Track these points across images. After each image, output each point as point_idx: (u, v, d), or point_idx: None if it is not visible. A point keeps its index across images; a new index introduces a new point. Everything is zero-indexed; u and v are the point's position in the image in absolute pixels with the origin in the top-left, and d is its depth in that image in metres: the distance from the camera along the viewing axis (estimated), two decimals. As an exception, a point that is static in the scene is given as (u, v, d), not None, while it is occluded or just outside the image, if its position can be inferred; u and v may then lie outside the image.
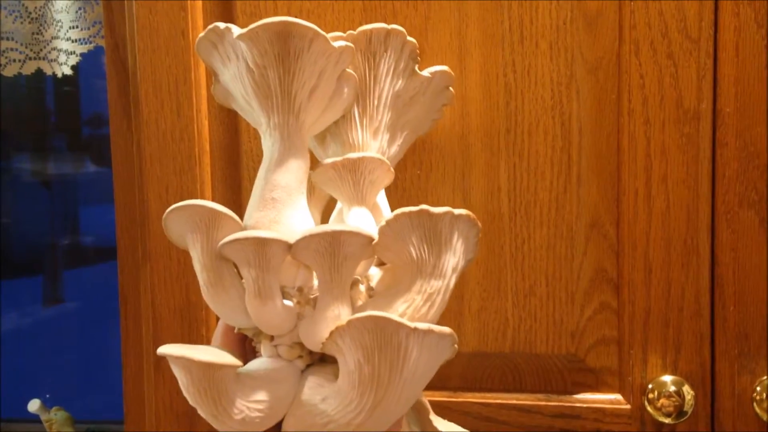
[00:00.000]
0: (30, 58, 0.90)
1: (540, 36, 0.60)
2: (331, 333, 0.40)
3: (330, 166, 0.48)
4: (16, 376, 1.52)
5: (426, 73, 0.54)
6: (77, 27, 0.89)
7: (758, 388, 0.58)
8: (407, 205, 0.62)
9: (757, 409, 0.58)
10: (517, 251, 0.61)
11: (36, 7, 0.89)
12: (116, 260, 0.75)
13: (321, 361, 0.45)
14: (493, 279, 0.62)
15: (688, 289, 0.59)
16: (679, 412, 0.59)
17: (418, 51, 0.53)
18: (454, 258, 0.44)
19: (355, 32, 0.51)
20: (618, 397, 0.61)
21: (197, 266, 0.44)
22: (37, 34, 0.90)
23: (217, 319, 0.66)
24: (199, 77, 0.64)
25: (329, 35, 0.46)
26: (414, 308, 0.43)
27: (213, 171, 0.65)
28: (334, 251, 0.41)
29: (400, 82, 0.52)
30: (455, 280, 0.45)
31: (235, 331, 0.46)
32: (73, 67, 0.91)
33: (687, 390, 0.59)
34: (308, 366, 0.45)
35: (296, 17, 0.62)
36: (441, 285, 0.43)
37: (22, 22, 0.89)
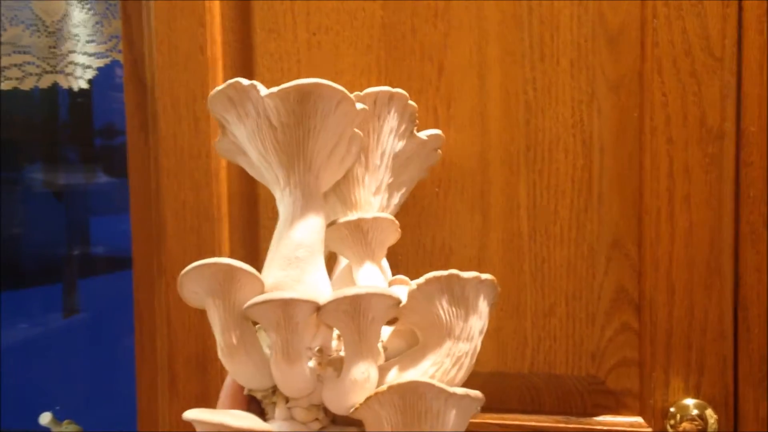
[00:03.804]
0: (47, 72, 0.90)
1: (561, 53, 0.59)
2: (369, 399, 0.40)
3: (344, 225, 0.48)
4: (28, 388, 1.52)
5: (423, 135, 0.55)
6: (94, 41, 0.90)
7: (783, 412, 0.57)
8: (426, 223, 0.62)
9: (782, 434, 0.57)
10: (536, 270, 0.61)
11: (54, 21, 0.90)
12: (126, 270, 0.75)
13: (332, 423, 0.44)
14: (512, 298, 0.61)
15: (712, 311, 0.58)
16: (703, 436, 0.58)
17: (417, 114, 0.54)
18: (480, 321, 0.45)
19: (361, 93, 0.52)
20: (639, 420, 0.60)
21: (217, 327, 0.43)
22: (54, 47, 0.90)
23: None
24: (217, 93, 0.64)
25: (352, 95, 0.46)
26: (443, 371, 0.44)
27: (230, 187, 0.65)
28: (363, 313, 0.41)
29: (400, 143, 0.53)
30: (480, 344, 0.46)
31: (245, 392, 0.45)
32: (88, 81, 0.91)
33: (710, 414, 0.58)
34: (321, 429, 0.44)
35: (315, 34, 0.63)
36: (469, 348, 0.45)
37: (39, 36, 0.90)
